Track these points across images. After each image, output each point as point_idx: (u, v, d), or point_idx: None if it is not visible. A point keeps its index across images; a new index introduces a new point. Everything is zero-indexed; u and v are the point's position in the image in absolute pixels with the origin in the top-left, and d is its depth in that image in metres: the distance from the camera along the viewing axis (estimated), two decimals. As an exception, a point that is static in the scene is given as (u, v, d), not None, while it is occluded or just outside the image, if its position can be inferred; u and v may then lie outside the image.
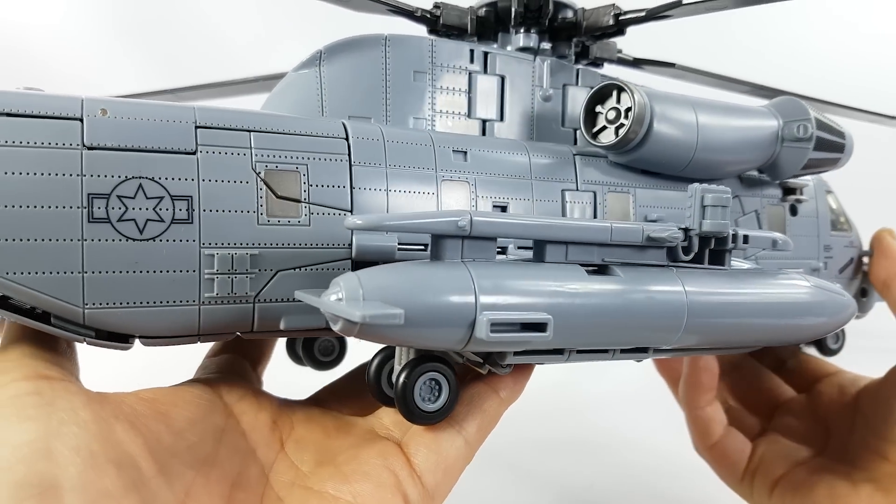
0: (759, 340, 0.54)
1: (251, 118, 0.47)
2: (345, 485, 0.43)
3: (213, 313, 0.45)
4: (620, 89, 0.56)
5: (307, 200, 0.47)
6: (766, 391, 0.80)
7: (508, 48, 0.62)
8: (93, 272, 0.41)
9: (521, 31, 0.62)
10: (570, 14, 0.62)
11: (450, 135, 0.55)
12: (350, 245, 0.48)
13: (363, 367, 0.53)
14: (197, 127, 0.45)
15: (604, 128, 0.57)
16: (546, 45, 0.62)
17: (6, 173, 0.39)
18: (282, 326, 0.47)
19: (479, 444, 0.48)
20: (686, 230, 0.48)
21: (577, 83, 0.63)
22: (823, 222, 0.71)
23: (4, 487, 0.31)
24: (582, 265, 0.45)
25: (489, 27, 0.62)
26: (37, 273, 0.40)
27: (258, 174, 0.45)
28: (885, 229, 0.72)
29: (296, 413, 0.52)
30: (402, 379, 0.44)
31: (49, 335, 0.42)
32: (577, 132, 0.62)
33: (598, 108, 0.58)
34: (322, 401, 0.56)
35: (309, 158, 0.47)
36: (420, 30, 0.63)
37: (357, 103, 0.54)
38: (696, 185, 0.48)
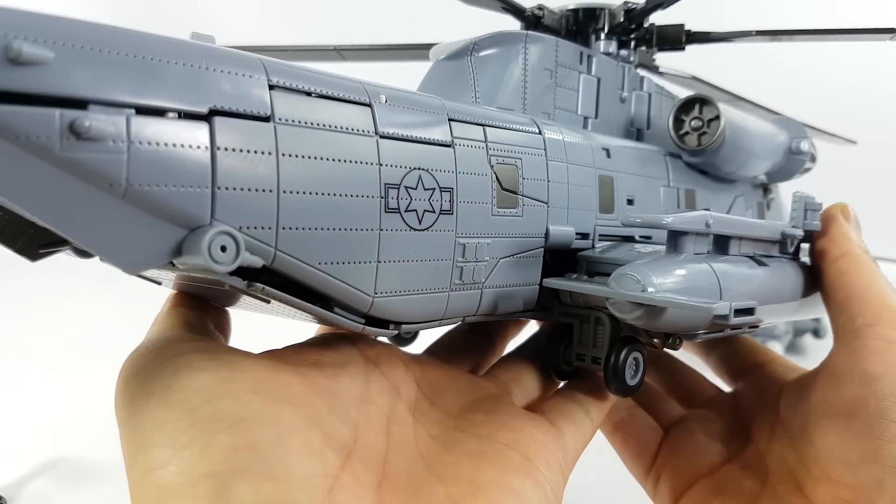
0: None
1: (481, 113, 0.49)
2: (509, 433, 0.45)
3: (457, 299, 0.47)
4: (704, 102, 0.66)
5: (522, 193, 0.50)
6: (690, 378, 0.70)
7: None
8: (384, 262, 0.41)
9: (604, 37, 0.68)
10: (645, 26, 0.70)
11: (597, 135, 0.60)
12: (545, 235, 0.52)
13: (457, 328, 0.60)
14: (450, 120, 0.46)
15: (686, 133, 0.67)
16: (618, 52, 0.70)
17: (322, 159, 0.38)
18: (498, 311, 0.50)
19: (596, 429, 0.54)
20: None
21: (641, 88, 0.71)
22: (783, 214, 0.89)
23: (196, 424, 0.34)
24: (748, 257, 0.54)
25: (577, 31, 0.68)
26: (342, 263, 0.39)
27: (492, 167, 0.48)
28: (839, 205, 0.59)
29: (419, 360, 0.53)
30: (616, 357, 0.50)
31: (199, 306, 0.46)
32: (640, 132, 0.71)
33: (682, 116, 0.67)
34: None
35: (523, 153, 0.50)
36: (510, 25, 0.67)
37: (502, 95, 0.57)
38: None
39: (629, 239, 0.60)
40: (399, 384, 0.48)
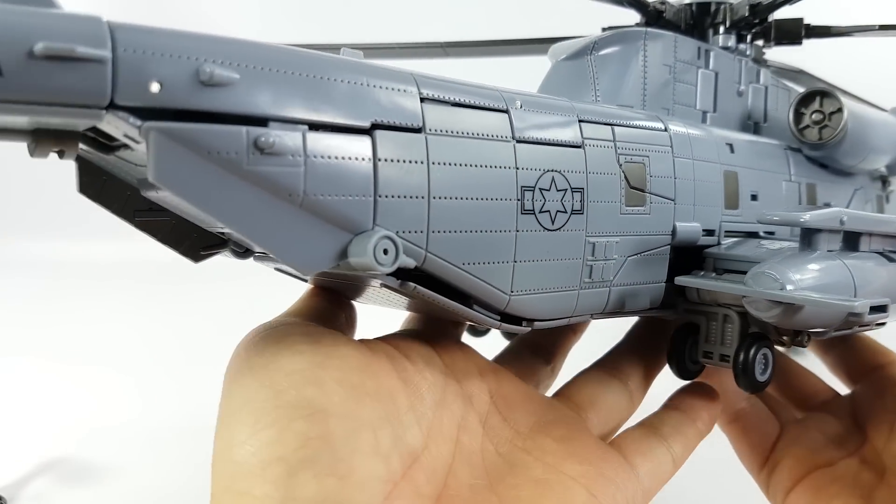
0: None
1: (609, 112, 0.50)
2: (577, 465, 0.45)
3: (586, 297, 0.48)
4: (825, 94, 0.64)
5: (649, 190, 0.51)
6: (807, 381, 0.70)
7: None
8: (520, 261, 0.43)
9: (723, 31, 0.68)
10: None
11: (707, 128, 0.61)
12: (672, 232, 0.52)
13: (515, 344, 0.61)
14: (580, 121, 0.47)
15: (807, 126, 0.66)
16: (736, 45, 0.69)
17: (465, 165, 0.40)
18: (625, 309, 0.51)
19: (681, 464, 0.51)
20: None
21: (758, 81, 0.70)
22: None
23: (279, 407, 0.35)
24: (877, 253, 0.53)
25: (695, 25, 0.68)
26: (483, 263, 0.42)
27: (620, 166, 0.49)
28: None
29: (494, 369, 0.53)
30: (746, 354, 0.51)
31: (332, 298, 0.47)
32: (757, 125, 0.70)
33: (802, 110, 0.66)
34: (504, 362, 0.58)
35: (650, 151, 0.51)
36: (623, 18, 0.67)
37: (622, 93, 0.58)
38: None
39: (753, 235, 0.59)
40: (472, 393, 0.48)
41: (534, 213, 0.43)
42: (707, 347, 0.55)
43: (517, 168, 0.43)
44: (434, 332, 0.52)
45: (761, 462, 0.64)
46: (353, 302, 0.50)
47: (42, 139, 0.33)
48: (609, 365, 0.58)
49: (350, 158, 0.36)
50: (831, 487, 0.58)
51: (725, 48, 0.68)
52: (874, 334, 0.62)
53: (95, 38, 0.29)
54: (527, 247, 0.43)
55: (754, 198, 0.60)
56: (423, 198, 0.38)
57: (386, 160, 0.37)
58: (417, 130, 0.39)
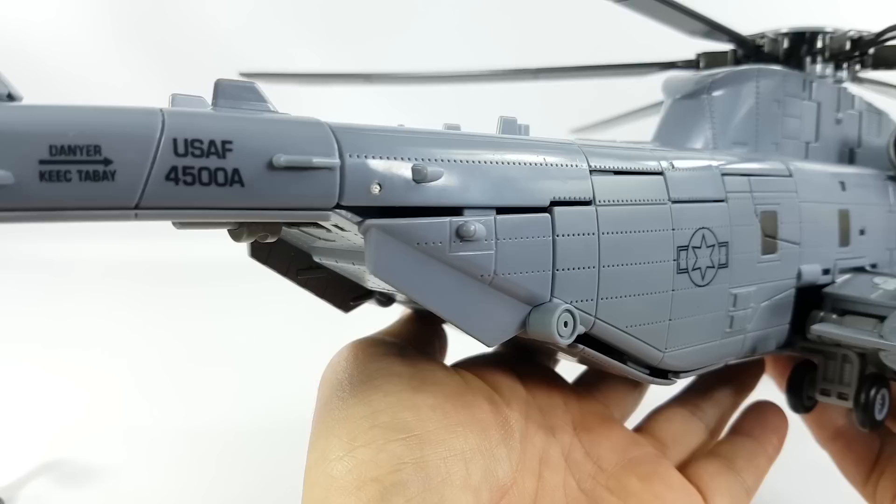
0: None
1: (746, 166, 0.51)
2: None
3: (726, 346, 0.49)
4: (928, 124, 0.65)
5: (780, 237, 0.52)
6: None
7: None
8: (674, 319, 0.44)
9: (821, 60, 0.68)
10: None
11: (822, 165, 0.61)
12: (798, 275, 0.53)
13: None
14: (722, 175, 0.48)
15: (908, 156, 0.66)
16: (834, 73, 0.69)
17: (628, 232, 0.41)
18: (756, 353, 0.52)
19: (751, 497, 0.51)
20: None
21: (852, 107, 0.70)
22: None
23: (375, 427, 0.35)
24: None
25: (791, 55, 0.68)
26: (643, 324, 0.43)
27: (757, 216, 0.50)
28: None
29: (579, 397, 0.53)
30: (867, 395, 0.52)
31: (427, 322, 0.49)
32: (853, 151, 0.70)
33: (900, 140, 0.66)
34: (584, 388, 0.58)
35: (781, 198, 0.52)
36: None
37: (736, 131, 0.58)
38: None
39: (860, 269, 0.60)
40: (555, 425, 0.47)
41: (687, 272, 0.45)
42: (825, 385, 0.56)
43: (673, 229, 0.44)
44: (518, 357, 0.52)
45: (865, 475, 0.64)
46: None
47: (253, 229, 0.34)
48: (689, 401, 0.59)
49: (533, 237, 0.37)
50: None
51: (822, 76, 0.68)
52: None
53: (326, 147, 0.30)
54: (680, 305, 0.45)
55: (862, 232, 0.61)
56: (593, 267, 0.40)
57: (563, 235, 0.38)
58: (588, 203, 0.40)
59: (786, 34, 0.68)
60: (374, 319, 0.52)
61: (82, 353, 1.44)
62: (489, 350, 0.53)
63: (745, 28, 0.68)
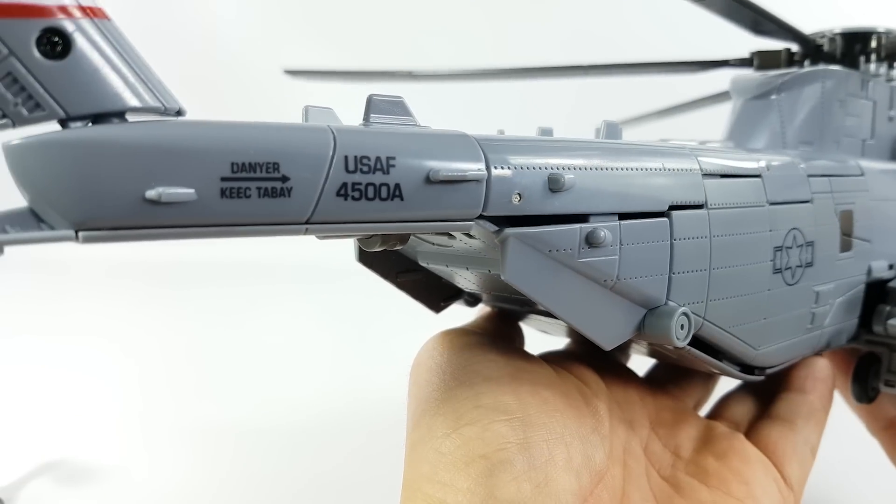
0: None
1: (827, 166, 0.52)
2: (738, 484, 0.45)
3: (807, 342, 0.51)
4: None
5: (855, 235, 0.53)
6: None
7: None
8: (768, 318, 0.46)
9: (875, 59, 0.69)
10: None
11: (887, 163, 0.62)
12: (868, 271, 0.55)
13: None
14: (808, 176, 0.49)
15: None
16: (888, 72, 0.70)
17: (733, 234, 0.42)
18: (830, 347, 0.54)
19: (815, 454, 0.51)
20: None
21: None
22: None
23: (479, 407, 0.37)
24: None
25: (846, 54, 0.69)
26: (742, 324, 0.44)
27: (837, 215, 0.51)
28: None
29: (653, 393, 0.54)
30: None
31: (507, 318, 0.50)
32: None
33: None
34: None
35: (856, 197, 0.53)
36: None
37: (803, 131, 0.60)
38: None
39: None
40: (633, 419, 0.49)
41: (781, 272, 0.46)
42: (889, 377, 0.58)
43: (770, 230, 0.45)
44: (594, 354, 0.53)
45: None
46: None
47: (388, 238, 0.35)
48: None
49: (653, 242, 0.38)
50: None
51: (877, 75, 0.69)
52: None
53: (475, 160, 0.32)
54: (774, 304, 0.46)
55: None
56: (704, 270, 0.41)
57: (680, 239, 0.39)
58: (701, 206, 0.41)
59: (841, 34, 0.69)
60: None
61: (83, 353, 1.46)
62: (564, 346, 0.55)
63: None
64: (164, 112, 0.28)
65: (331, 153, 0.28)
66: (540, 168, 0.34)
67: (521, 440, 0.36)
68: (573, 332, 0.52)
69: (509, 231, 0.33)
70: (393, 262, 0.46)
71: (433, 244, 0.41)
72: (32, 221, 0.26)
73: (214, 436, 1.04)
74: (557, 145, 0.36)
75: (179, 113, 0.29)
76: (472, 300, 0.50)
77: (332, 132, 0.29)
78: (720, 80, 0.74)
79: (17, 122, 0.25)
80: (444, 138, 0.32)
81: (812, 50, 0.67)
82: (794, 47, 0.69)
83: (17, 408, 1.21)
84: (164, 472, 0.97)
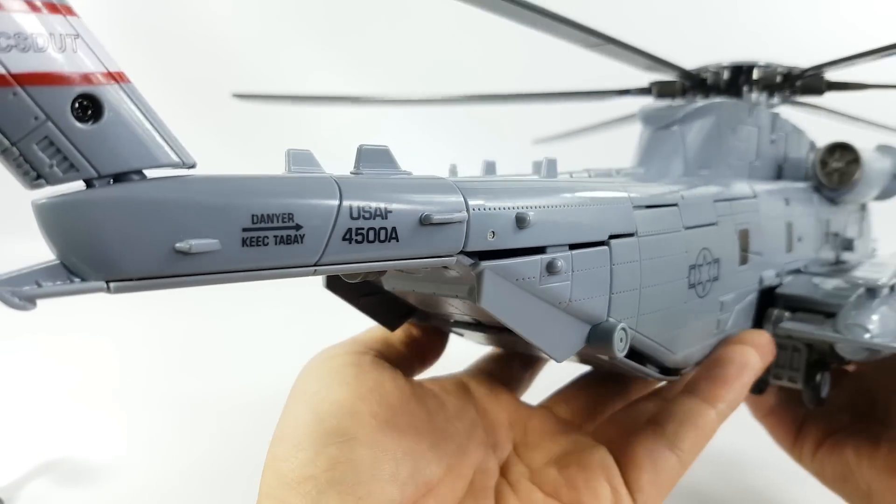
0: None
1: (728, 192, 0.60)
2: (567, 490, 0.49)
3: (712, 345, 0.58)
4: (845, 147, 0.77)
5: (750, 250, 0.61)
6: None
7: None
8: (684, 327, 0.53)
9: (756, 89, 0.79)
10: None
11: (771, 183, 0.71)
12: (760, 281, 0.63)
13: (583, 377, 0.66)
14: (714, 201, 0.56)
15: (830, 172, 0.78)
16: (768, 101, 0.80)
17: (658, 258, 0.49)
18: None
19: (692, 459, 0.51)
20: None
21: (783, 129, 0.82)
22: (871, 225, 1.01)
23: (318, 433, 0.43)
24: None
25: (730, 85, 0.78)
26: (665, 334, 0.51)
27: (737, 234, 0.59)
28: None
29: (529, 416, 0.59)
30: (813, 378, 0.63)
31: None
32: (781, 168, 0.82)
33: (826, 159, 0.78)
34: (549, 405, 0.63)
35: (751, 217, 0.61)
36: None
37: (700, 157, 0.68)
38: None
39: (798, 271, 0.71)
40: (498, 442, 0.54)
41: (694, 287, 0.53)
42: (778, 371, 0.67)
43: (686, 251, 0.52)
44: (485, 378, 0.60)
45: (793, 439, 0.77)
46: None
47: (372, 273, 0.39)
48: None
49: (597, 267, 0.44)
50: (847, 440, 0.70)
51: (758, 104, 0.79)
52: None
53: (457, 203, 0.36)
54: (689, 314, 0.53)
55: (800, 240, 0.72)
56: (636, 289, 0.47)
57: (617, 263, 0.45)
58: (633, 235, 0.47)
59: (726, 67, 0.78)
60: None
61: (82, 352, 1.45)
62: (458, 372, 0.60)
63: (690, 60, 0.77)
64: (182, 166, 0.30)
65: (337, 203, 0.31)
66: (509, 208, 0.38)
67: (350, 459, 0.42)
68: (497, 342, 0.57)
69: (485, 264, 0.38)
70: (356, 288, 0.49)
71: (401, 272, 0.44)
72: (63, 274, 0.27)
73: (217, 435, 1.05)
74: (521, 186, 0.41)
75: (192, 167, 0.31)
76: (424, 317, 0.54)
77: (338, 184, 0.32)
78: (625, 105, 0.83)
79: (52, 181, 0.27)
80: (430, 185, 0.36)
81: (697, 82, 0.76)
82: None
83: (17, 407, 1.21)
84: (165, 472, 0.97)
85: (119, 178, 0.28)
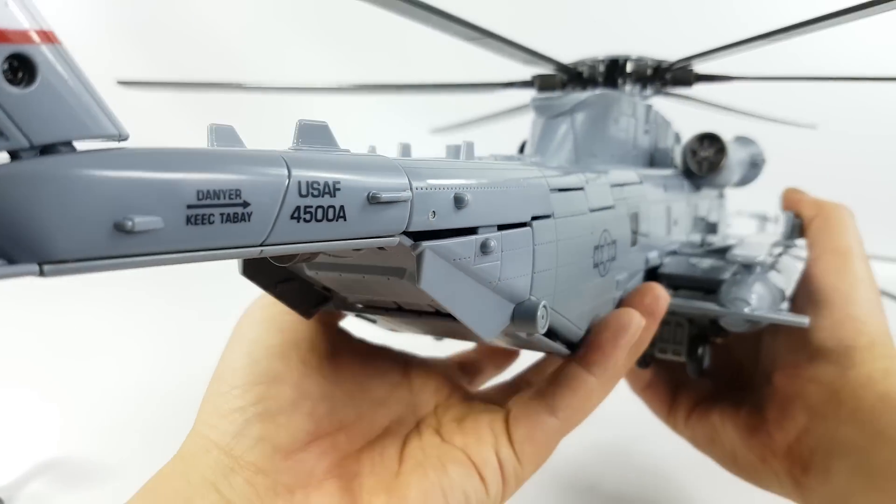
0: None
1: (621, 177, 0.63)
2: (460, 436, 0.53)
3: None
4: (713, 138, 0.84)
5: (639, 232, 0.65)
6: None
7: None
8: (590, 305, 0.55)
9: (630, 82, 0.84)
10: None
11: (650, 170, 0.76)
12: (646, 261, 0.68)
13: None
14: (611, 186, 0.60)
15: (699, 161, 0.85)
16: (640, 92, 0.86)
17: (570, 238, 0.51)
18: None
19: (572, 422, 0.54)
20: None
21: (655, 119, 0.88)
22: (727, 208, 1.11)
23: (250, 374, 0.49)
24: None
25: (607, 77, 0.83)
26: (575, 310, 0.53)
27: (629, 217, 0.62)
28: (790, 189, 0.84)
29: (453, 387, 0.64)
30: (695, 351, 0.68)
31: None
32: (653, 156, 0.88)
33: (695, 148, 0.85)
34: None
35: (640, 201, 0.65)
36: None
37: (588, 145, 0.71)
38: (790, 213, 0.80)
39: (674, 252, 0.77)
40: (419, 403, 0.59)
41: (597, 266, 0.56)
42: (662, 345, 0.72)
43: (591, 233, 0.54)
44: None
45: (668, 409, 0.82)
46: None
47: (306, 255, 0.37)
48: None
49: (523, 247, 0.45)
50: (714, 405, 0.75)
51: (633, 95, 0.84)
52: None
53: (402, 183, 0.35)
54: (594, 292, 0.56)
55: (675, 223, 0.78)
56: (553, 269, 0.49)
57: (539, 244, 0.47)
58: (550, 216, 0.48)
59: (601, 61, 0.83)
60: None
61: (82, 351, 1.46)
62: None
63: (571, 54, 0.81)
64: (119, 138, 0.28)
65: (286, 180, 0.30)
66: (448, 188, 0.38)
67: (276, 395, 0.48)
68: (436, 330, 0.58)
69: (425, 244, 0.37)
70: (273, 274, 0.47)
71: (329, 256, 0.43)
72: None
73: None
74: (458, 167, 0.41)
75: (126, 139, 0.29)
76: (341, 304, 0.53)
77: (285, 160, 0.30)
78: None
79: None
80: (374, 163, 0.35)
81: (574, 77, 0.80)
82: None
83: (17, 407, 1.22)
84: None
85: (47, 149, 0.25)
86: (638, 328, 0.56)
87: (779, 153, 1.09)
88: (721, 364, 0.82)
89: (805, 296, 0.68)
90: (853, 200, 0.80)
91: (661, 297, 0.61)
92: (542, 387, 0.56)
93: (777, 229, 0.94)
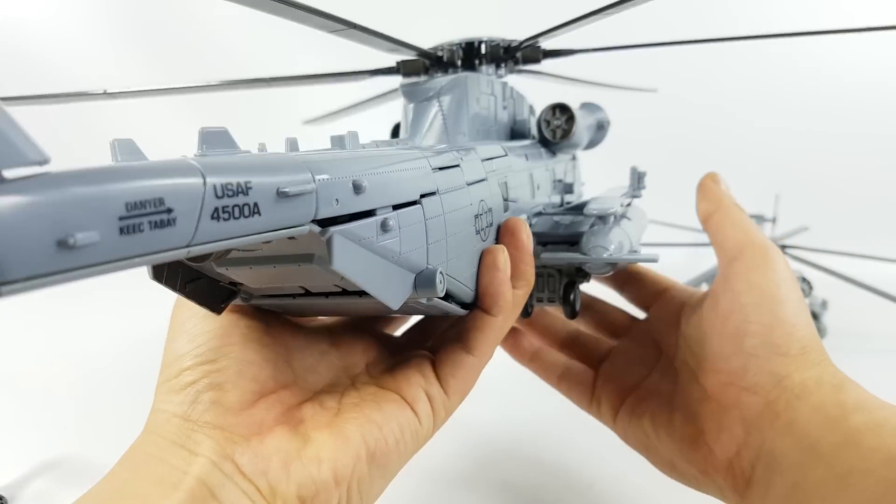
0: None
1: (489, 150, 0.69)
2: (392, 381, 0.58)
3: None
4: (563, 107, 0.92)
5: (508, 199, 0.72)
6: (613, 314, 0.88)
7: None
8: (475, 267, 0.61)
9: (486, 62, 0.90)
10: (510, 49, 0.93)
11: (512, 143, 0.83)
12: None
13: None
14: (482, 160, 0.65)
15: (552, 129, 0.93)
16: (496, 71, 0.92)
17: (454, 210, 0.56)
18: None
19: (486, 356, 0.62)
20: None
21: (511, 95, 0.95)
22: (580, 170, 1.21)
23: (195, 356, 0.52)
24: None
25: (465, 60, 0.89)
26: (465, 273, 0.59)
27: (499, 186, 0.69)
28: (709, 174, 0.77)
29: (380, 351, 0.67)
30: (568, 296, 0.76)
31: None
32: (513, 128, 0.95)
33: (548, 118, 0.93)
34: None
35: (507, 172, 0.72)
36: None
37: (456, 124, 0.77)
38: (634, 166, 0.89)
39: (540, 213, 0.85)
40: (350, 364, 0.63)
41: (479, 232, 0.61)
42: (539, 295, 0.79)
43: (471, 203, 0.60)
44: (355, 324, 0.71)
45: (588, 401, 0.81)
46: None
47: (220, 252, 0.40)
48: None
49: (416, 223, 0.50)
50: (643, 404, 0.72)
51: (490, 74, 0.90)
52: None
53: (305, 176, 0.39)
54: (478, 255, 0.61)
55: (538, 187, 0.86)
56: (443, 239, 0.54)
57: (429, 218, 0.52)
58: (435, 193, 0.53)
59: (457, 44, 0.89)
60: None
61: (82, 351, 1.46)
62: None
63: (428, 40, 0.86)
64: (42, 163, 0.29)
65: (202, 184, 0.33)
66: (346, 177, 0.42)
67: (220, 369, 0.52)
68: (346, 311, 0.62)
69: (333, 229, 0.41)
70: (181, 275, 0.49)
71: (240, 251, 0.46)
72: None
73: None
74: (351, 156, 0.45)
75: (47, 163, 0.30)
76: (247, 297, 0.56)
77: (199, 166, 0.33)
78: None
79: None
80: (278, 160, 0.38)
81: (435, 61, 0.85)
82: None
83: (18, 406, 1.22)
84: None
85: None
86: (505, 259, 0.62)
87: (627, 117, 1.21)
88: (642, 347, 0.81)
89: (729, 296, 0.64)
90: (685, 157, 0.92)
91: (511, 223, 0.67)
92: (459, 332, 0.62)
93: (766, 229, 1.04)
